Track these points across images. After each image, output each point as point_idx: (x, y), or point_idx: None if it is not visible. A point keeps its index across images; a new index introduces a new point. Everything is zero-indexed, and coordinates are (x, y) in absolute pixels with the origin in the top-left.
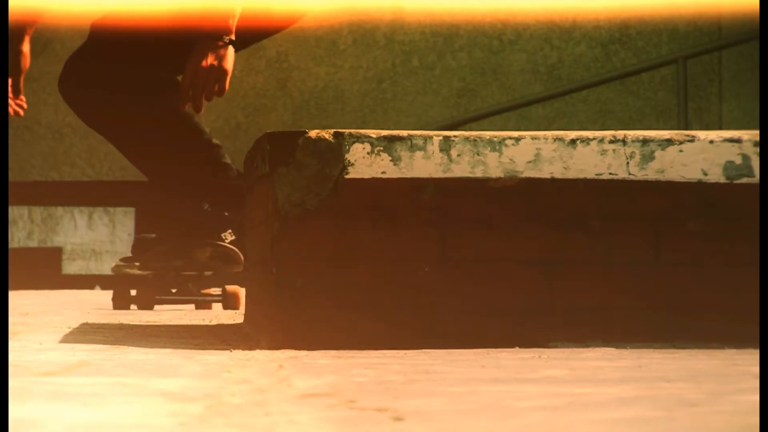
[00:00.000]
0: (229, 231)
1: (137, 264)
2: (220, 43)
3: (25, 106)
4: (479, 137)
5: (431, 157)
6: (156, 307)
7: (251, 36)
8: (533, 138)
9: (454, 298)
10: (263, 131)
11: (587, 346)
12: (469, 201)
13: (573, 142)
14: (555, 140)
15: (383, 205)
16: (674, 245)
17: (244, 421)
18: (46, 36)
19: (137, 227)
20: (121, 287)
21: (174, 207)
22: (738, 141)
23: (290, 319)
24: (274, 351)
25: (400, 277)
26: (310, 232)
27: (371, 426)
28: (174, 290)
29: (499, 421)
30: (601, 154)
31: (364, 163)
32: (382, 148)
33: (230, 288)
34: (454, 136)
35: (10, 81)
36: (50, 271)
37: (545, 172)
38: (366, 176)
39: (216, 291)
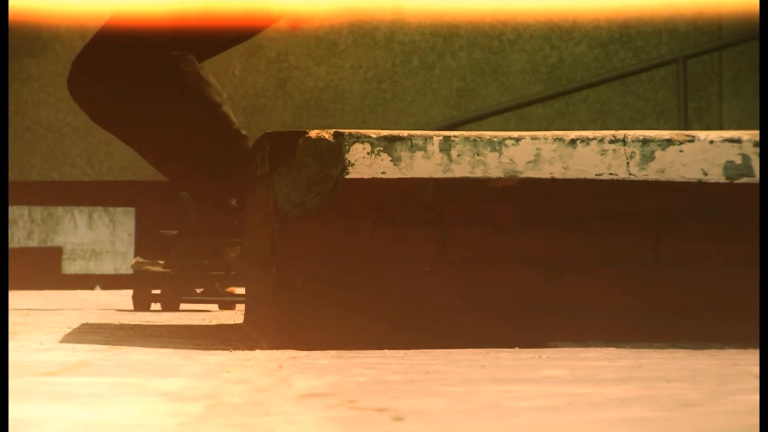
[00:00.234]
0: None
1: (161, 262)
2: None
3: None
4: (479, 137)
5: (431, 157)
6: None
7: (223, 41)
8: (533, 138)
9: (454, 298)
10: (263, 131)
11: (587, 346)
12: (469, 201)
13: (573, 142)
14: (555, 140)
15: (383, 205)
16: (674, 245)
17: (244, 421)
18: (46, 36)
19: (137, 227)
20: (143, 287)
21: (188, 203)
22: (738, 141)
23: (290, 319)
24: (274, 351)
25: (400, 277)
26: (310, 232)
27: (371, 426)
28: (199, 290)
29: (499, 421)
30: (601, 154)
31: (364, 163)
32: (382, 148)
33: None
34: (454, 136)
35: None
36: (50, 271)
37: (545, 172)
38: (366, 176)
39: (240, 291)
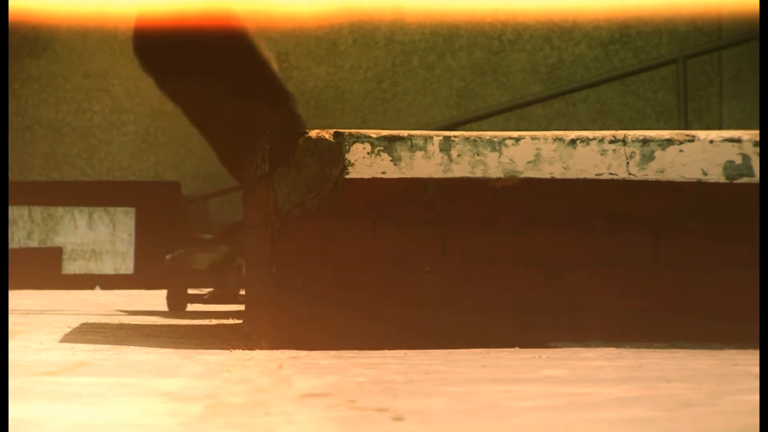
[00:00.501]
0: None
1: (197, 256)
2: None
3: None
4: (479, 137)
5: (431, 157)
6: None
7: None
8: (533, 138)
9: (454, 298)
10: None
11: (587, 346)
12: (469, 201)
13: (573, 142)
14: (555, 140)
15: (383, 205)
16: (674, 245)
17: (244, 421)
18: (46, 36)
19: (137, 227)
20: (177, 287)
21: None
22: (738, 141)
23: (290, 319)
24: (274, 351)
25: (400, 277)
26: (310, 232)
27: (371, 426)
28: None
29: (499, 421)
30: (601, 154)
31: (364, 163)
32: (382, 148)
33: None
34: (454, 136)
35: None
36: (50, 271)
37: (545, 172)
38: (366, 176)
39: None
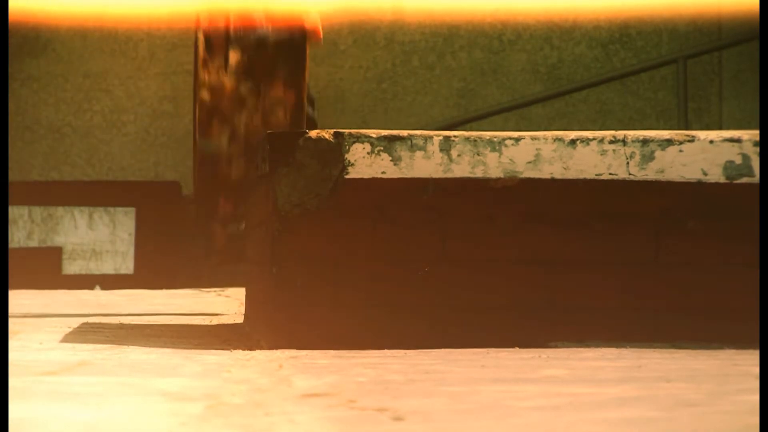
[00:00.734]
0: None
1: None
2: None
3: None
4: (479, 137)
5: (431, 157)
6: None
7: None
8: (533, 138)
9: (454, 298)
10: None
11: (587, 346)
12: (469, 201)
13: (573, 142)
14: (555, 140)
15: (383, 205)
16: (674, 245)
17: (244, 421)
18: (46, 36)
19: (137, 227)
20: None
21: None
22: (738, 141)
23: (290, 319)
24: (274, 351)
25: (399, 277)
26: (310, 232)
27: (371, 426)
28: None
29: (499, 421)
30: (601, 154)
31: (364, 163)
32: (382, 148)
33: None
34: (454, 136)
35: None
36: (50, 271)
37: (545, 172)
38: (366, 176)
39: None
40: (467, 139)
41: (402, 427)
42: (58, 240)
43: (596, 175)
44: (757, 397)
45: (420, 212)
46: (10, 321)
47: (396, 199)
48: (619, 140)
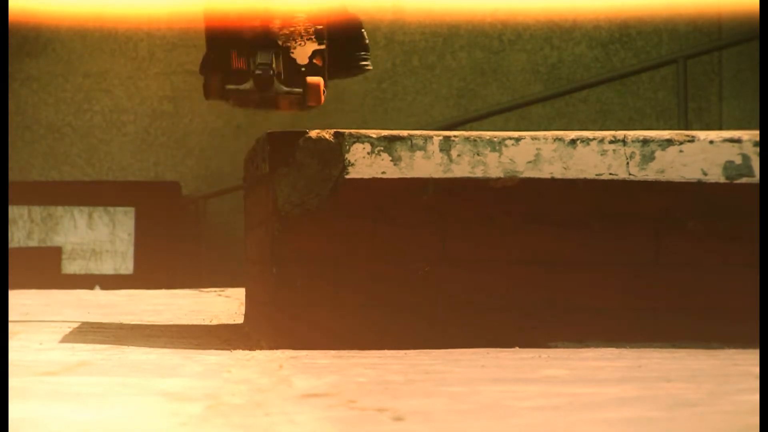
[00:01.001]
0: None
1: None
2: None
3: None
4: (479, 137)
5: (431, 157)
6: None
7: None
8: (533, 138)
9: (454, 298)
10: (263, 131)
11: (587, 346)
12: (469, 201)
13: (573, 142)
14: (555, 140)
15: (383, 205)
16: (674, 245)
17: (244, 421)
18: (46, 36)
19: (137, 227)
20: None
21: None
22: (738, 141)
23: (290, 319)
24: (274, 351)
25: (400, 277)
26: (310, 232)
27: (371, 426)
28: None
29: (499, 421)
30: (601, 154)
31: (365, 163)
32: (382, 148)
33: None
34: (454, 136)
35: None
36: (50, 270)
37: (545, 172)
38: (366, 176)
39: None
40: (467, 139)
41: (402, 427)
42: (58, 240)
43: (596, 175)
44: (757, 397)
45: (420, 212)
46: (10, 321)
47: (396, 199)
48: (619, 140)
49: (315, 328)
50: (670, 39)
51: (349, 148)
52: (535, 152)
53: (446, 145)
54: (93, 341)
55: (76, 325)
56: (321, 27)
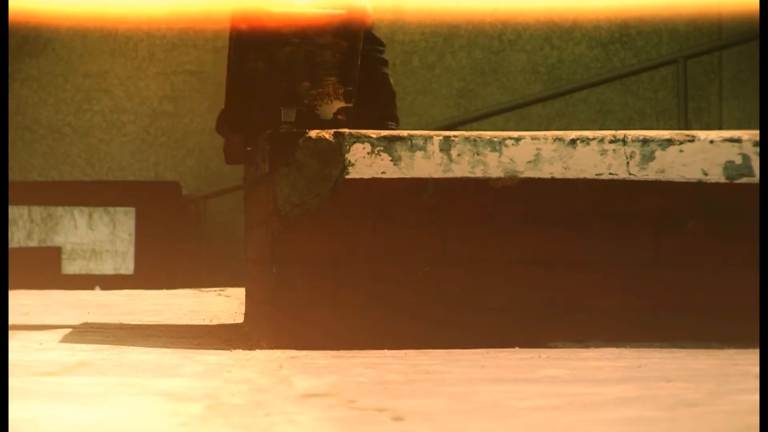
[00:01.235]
0: None
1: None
2: None
3: None
4: (479, 137)
5: (431, 157)
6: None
7: None
8: (533, 138)
9: (454, 298)
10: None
11: (587, 346)
12: (469, 201)
13: (573, 142)
14: (555, 140)
15: (383, 205)
16: (674, 245)
17: (244, 421)
18: (46, 36)
19: (137, 227)
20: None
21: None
22: (738, 141)
23: (290, 319)
24: (274, 351)
25: (400, 277)
26: (310, 232)
27: (371, 426)
28: None
29: (499, 421)
30: (601, 154)
31: (365, 163)
32: (382, 148)
33: None
34: (454, 136)
35: None
36: (50, 271)
37: (545, 172)
38: (366, 176)
39: None
40: (467, 139)
41: (402, 427)
42: (58, 240)
43: (596, 174)
44: (757, 397)
45: (420, 212)
46: (10, 321)
47: (396, 199)
48: (619, 140)
49: (315, 328)
50: (670, 39)
51: (349, 148)
52: (535, 152)
53: (446, 145)
54: (93, 341)
55: (76, 325)
56: (351, 88)
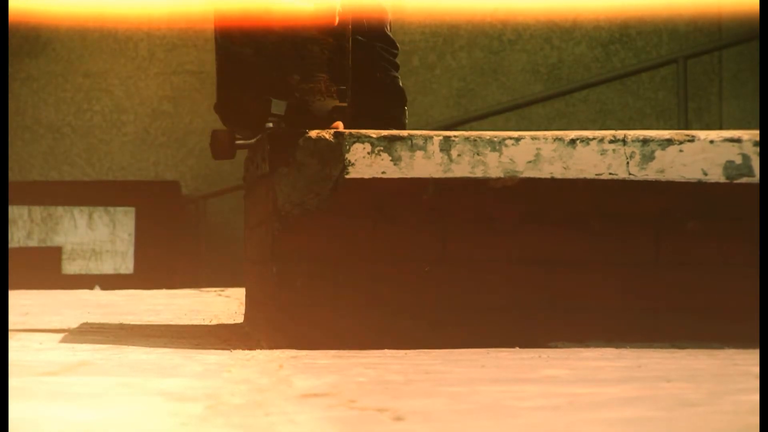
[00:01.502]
0: None
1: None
2: None
3: None
4: (479, 137)
5: (431, 157)
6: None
7: None
8: (533, 138)
9: (454, 298)
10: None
11: (587, 346)
12: (469, 201)
13: (573, 142)
14: (555, 140)
15: (383, 205)
16: (674, 245)
17: (244, 421)
18: (46, 36)
19: (137, 227)
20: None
21: None
22: (738, 141)
23: (290, 319)
24: (274, 351)
25: (400, 277)
26: (310, 232)
27: (371, 426)
28: None
29: (499, 421)
30: (601, 154)
31: (365, 163)
32: (382, 148)
33: None
34: (454, 136)
35: None
36: (50, 271)
37: (545, 172)
38: (366, 176)
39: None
40: (467, 139)
41: (402, 427)
42: (58, 240)
43: (596, 174)
44: (757, 397)
45: (420, 212)
46: (10, 321)
47: (396, 199)
48: (619, 140)
49: (315, 328)
50: (670, 39)
51: (349, 148)
52: (535, 152)
53: (446, 145)
54: (93, 341)
55: (76, 325)
56: (344, 87)
